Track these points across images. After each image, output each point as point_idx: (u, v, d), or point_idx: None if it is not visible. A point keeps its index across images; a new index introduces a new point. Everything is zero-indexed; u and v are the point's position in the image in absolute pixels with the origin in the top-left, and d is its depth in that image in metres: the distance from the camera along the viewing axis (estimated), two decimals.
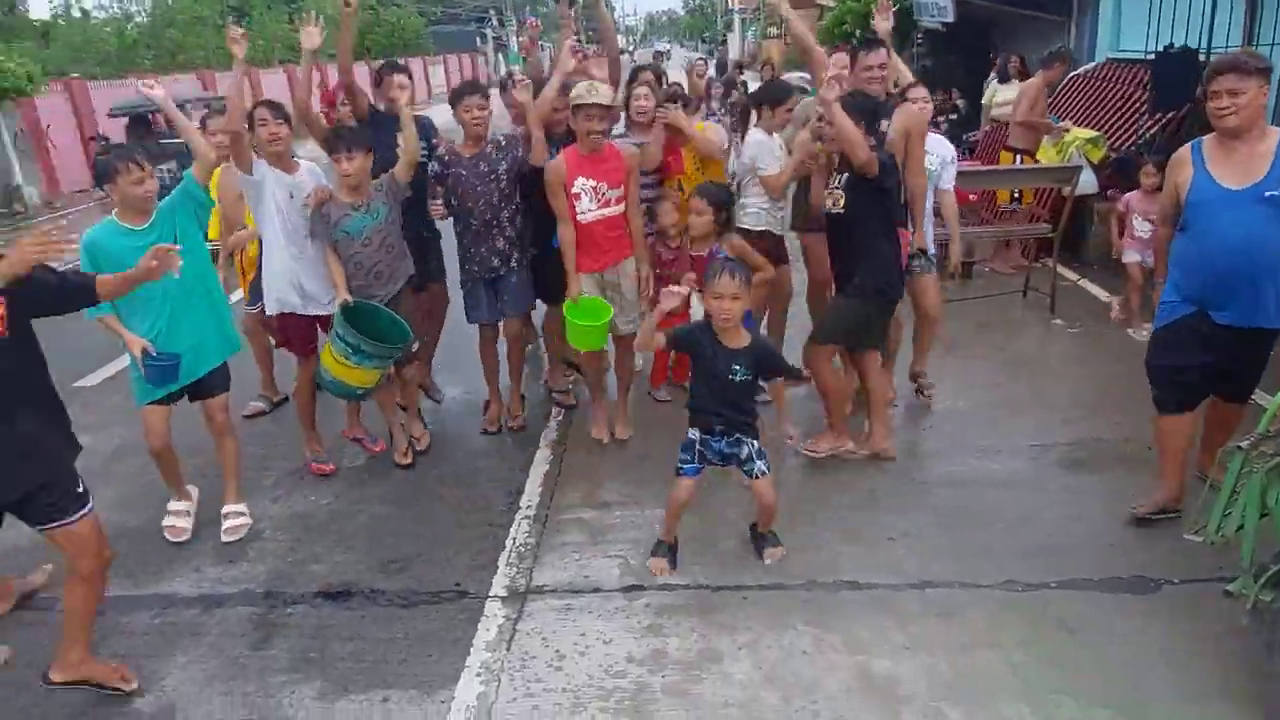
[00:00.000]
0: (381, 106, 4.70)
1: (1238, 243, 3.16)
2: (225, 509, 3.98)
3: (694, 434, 3.42)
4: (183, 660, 3.17)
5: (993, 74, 10.15)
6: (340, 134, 4.12)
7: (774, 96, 4.76)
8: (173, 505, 4.00)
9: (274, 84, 22.75)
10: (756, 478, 3.40)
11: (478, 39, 46.75)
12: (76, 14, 24.43)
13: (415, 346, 4.45)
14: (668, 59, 18.36)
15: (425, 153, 4.48)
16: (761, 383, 3.57)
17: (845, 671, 2.90)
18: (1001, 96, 9.70)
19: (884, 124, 4.10)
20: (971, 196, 8.21)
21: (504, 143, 4.43)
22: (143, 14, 25.81)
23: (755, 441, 3.40)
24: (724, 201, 4.36)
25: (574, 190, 4.13)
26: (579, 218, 4.17)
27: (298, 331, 4.35)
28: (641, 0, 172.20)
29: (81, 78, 17.22)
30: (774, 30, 30.61)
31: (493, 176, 4.35)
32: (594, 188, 4.13)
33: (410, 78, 4.74)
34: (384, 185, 4.14)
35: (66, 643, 3.01)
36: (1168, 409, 3.56)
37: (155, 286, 3.41)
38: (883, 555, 3.52)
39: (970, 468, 4.21)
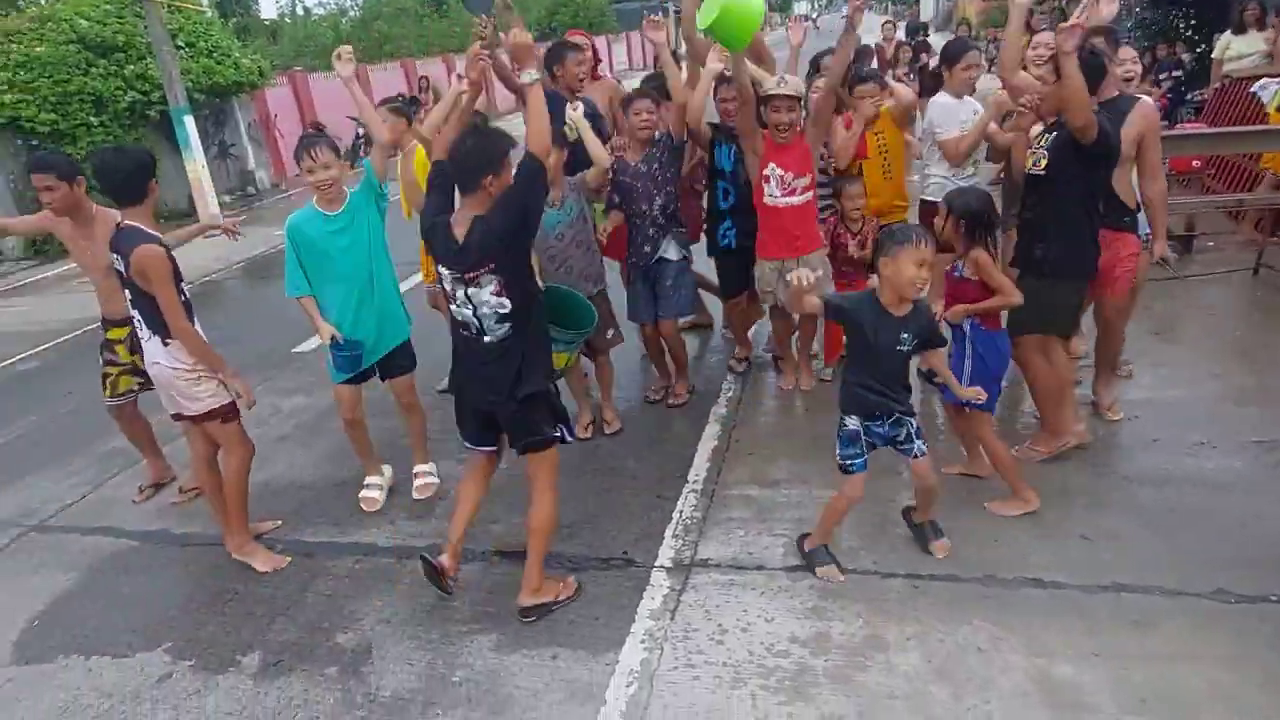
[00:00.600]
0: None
1: None
2: (415, 469, 4.31)
3: (853, 423, 3.20)
4: (378, 604, 3.48)
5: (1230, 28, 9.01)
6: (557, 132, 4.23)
7: (950, 54, 4.50)
8: (369, 479, 4.28)
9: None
10: (917, 457, 3.21)
11: (660, 14, 46.94)
12: (300, 12, 26.88)
13: (610, 334, 4.58)
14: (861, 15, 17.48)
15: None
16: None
17: (1022, 673, 2.74)
18: (1236, 49, 8.63)
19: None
20: (1195, 163, 7.41)
21: (658, 137, 4.45)
22: (356, 8, 27.94)
23: (914, 419, 3.21)
24: (967, 210, 3.47)
25: (765, 173, 4.24)
26: (766, 200, 4.29)
27: None
28: None
29: (303, 70, 18.90)
30: None
31: (657, 175, 4.46)
32: (781, 176, 4.22)
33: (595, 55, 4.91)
34: (576, 184, 4.29)
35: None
36: None
37: (345, 276, 3.75)
38: (1074, 554, 3.28)
39: (1181, 464, 3.82)
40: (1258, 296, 5.60)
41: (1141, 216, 3.96)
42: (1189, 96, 9.34)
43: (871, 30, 13.35)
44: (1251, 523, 3.35)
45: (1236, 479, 3.66)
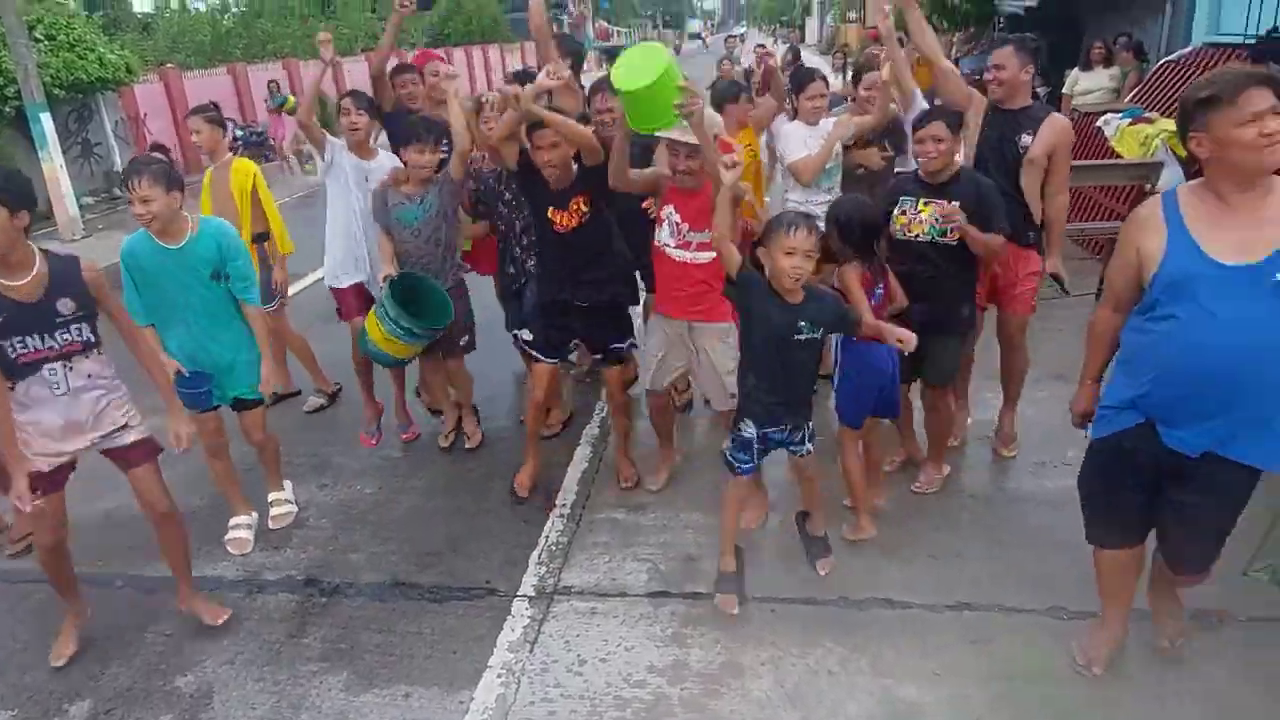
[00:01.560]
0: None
1: (1237, 345, 2.19)
2: (270, 496, 4.10)
3: (750, 429, 3.14)
4: (224, 643, 3.28)
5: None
6: (417, 124, 4.17)
7: (797, 84, 4.63)
8: (235, 519, 3.97)
9: (359, 71, 23.31)
10: (804, 456, 3.24)
11: (553, 25, 47.02)
12: (176, 6, 25.45)
13: (464, 341, 4.48)
14: (742, 42, 18.12)
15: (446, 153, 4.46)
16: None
17: (869, 695, 2.81)
18: (1084, 85, 9.25)
19: (1024, 137, 3.72)
20: None
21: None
22: (237, 5, 26.74)
23: (810, 423, 3.20)
24: (835, 219, 3.42)
25: (661, 214, 3.61)
26: (657, 242, 3.62)
27: (361, 301, 4.55)
28: None
29: (177, 67, 17.95)
30: (852, 15, 29.94)
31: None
32: (677, 224, 3.52)
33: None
34: (440, 181, 4.18)
35: None
36: (1107, 544, 2.76)
37: (183, 308, 3.52)
38: (922, 573, 3.39)
39: (1024, 484, 4.02)
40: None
41: None
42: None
43: (751, 51, 13.87)
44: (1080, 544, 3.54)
45: (1074, 497, 3.87)
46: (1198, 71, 7.85)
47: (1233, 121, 2.12)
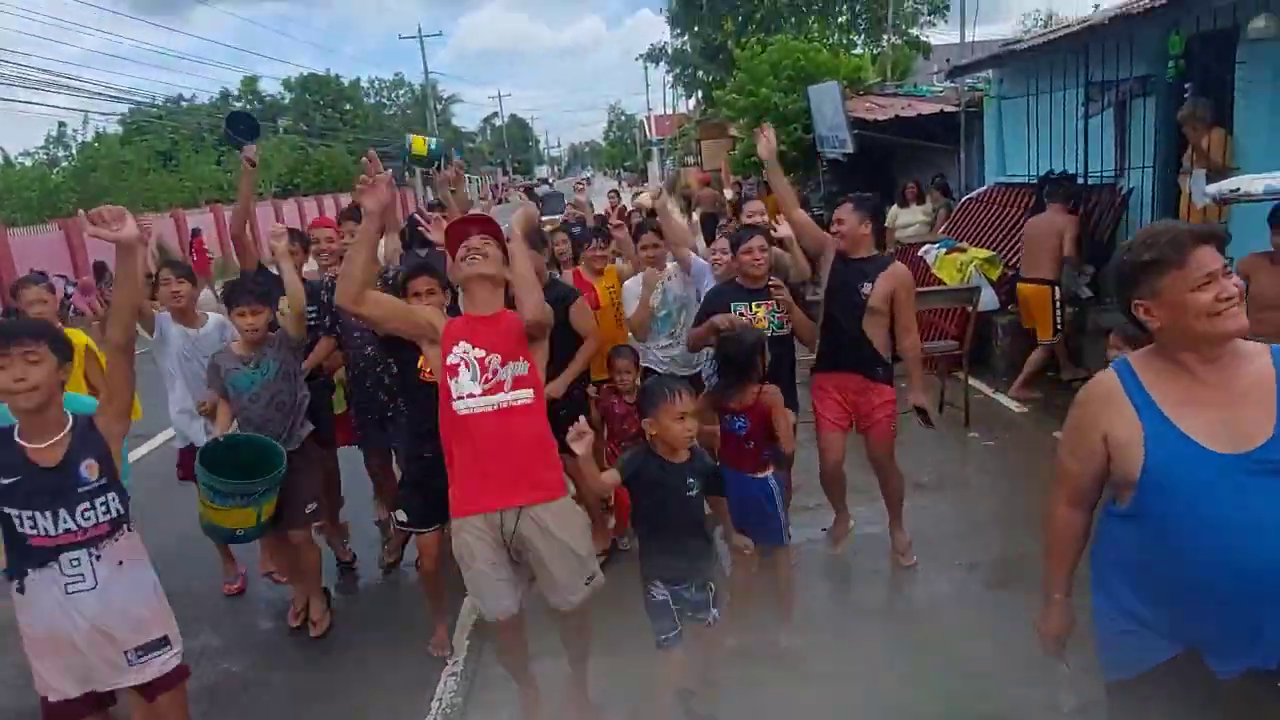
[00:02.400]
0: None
1: (1256, 548, 1.80)
2: None
3: (660, 591, 3.05)
4: None
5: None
6: (240, 286, 4.07)
7: (636, 234, 4.95)
8: None
9: (203, 223, 22.76)
10: (710, 624, 3.12)
11: (405, 173, 47.94)
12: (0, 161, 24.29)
13: (310, 509, 4.09)
14: (590, 184, 19.13)
15: (313, 315, 4.51)
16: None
17: None
18: (902, 220, 10.32)
19: (865, 285, 4.03)
20: None
21: (390, 279, 4.35)
22: (70, 160, 25.85)
23: (714, 585, 3.15)
24: (721, 355, 3.68)
25: (448, 361, 2.86)
26: (454, 405, 2.83)
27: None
28: (565, 132, 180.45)
29: (1, 224, 16.98)
30: (689, 159, 32.25)
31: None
32: (479, 361, 2.84)
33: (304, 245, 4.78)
34: (277, 341, 4.05)
35: None
36: None
37: None
38: (828, 691, 3.40)
39: (898, 591, 4.21)
40: (943, 432, 6.48)
41: None
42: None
43: (600, 193, 14.78)
44: (964, 645, 3.71)
45: (949, 602, 4.09)
46: (994, 205, 8.97)
47: (1185, 286, 1.84)
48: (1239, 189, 4.41)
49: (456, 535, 2.99)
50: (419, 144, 5.13)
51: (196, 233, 18.53)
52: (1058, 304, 6.88)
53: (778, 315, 4.01)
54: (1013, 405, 6.83)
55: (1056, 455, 2.15)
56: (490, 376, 2.85)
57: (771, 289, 3.97)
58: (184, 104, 39.04)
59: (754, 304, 4.00)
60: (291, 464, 3.87)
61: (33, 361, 2.39)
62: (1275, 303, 4.31)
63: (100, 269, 15.57)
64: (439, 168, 4.61)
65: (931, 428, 4.46)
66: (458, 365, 2.84)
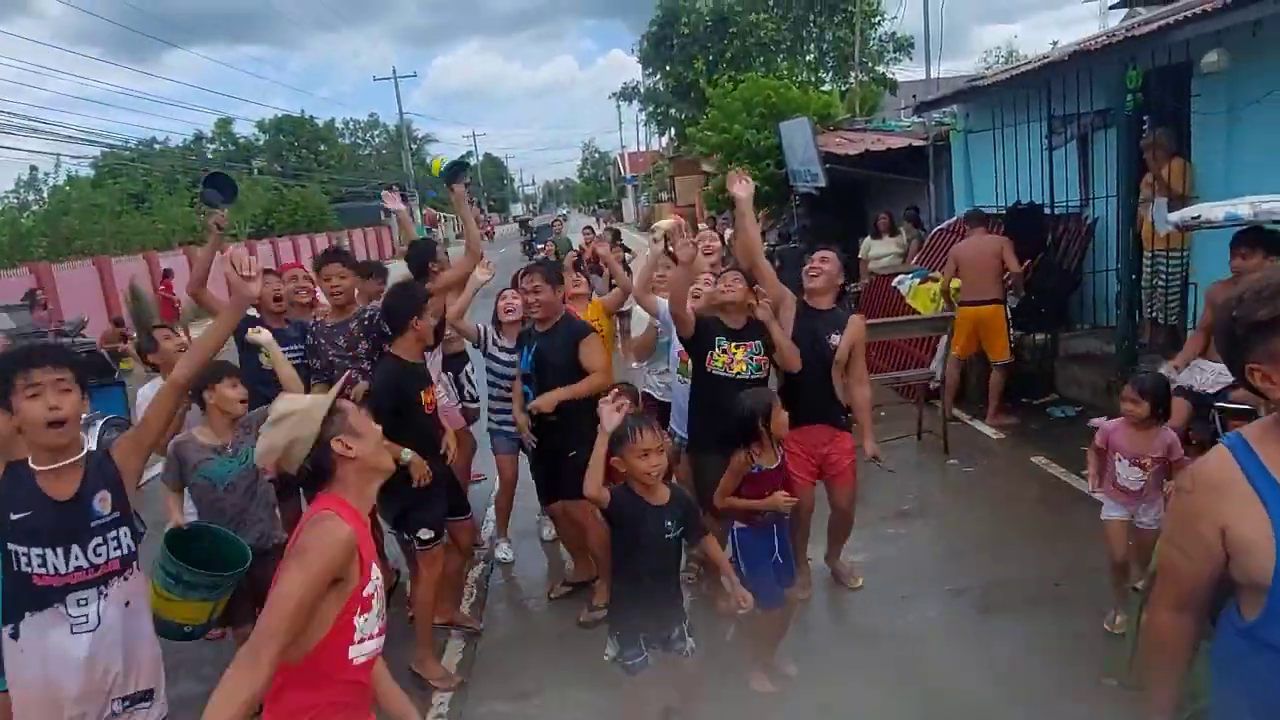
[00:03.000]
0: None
1: None
2: None
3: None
4: None
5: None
6: (222, 363, 3.52)
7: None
8: None
9: (175, 265, 22.61)
10: (687, 656, 3.07)
11: (382, 214, 48.00)
12: None
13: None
14: (565, 221, 19.47)
15: (299, 355, 4.46)
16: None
17: None
18: (875, 251, 10.48)
19: (834, 336, 4.11)
20: None
21: (368, 320, 4.34)
22: (40, 204, 25.66)
23: (685, 620, 3.12)
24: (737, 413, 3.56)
25: (367, 591, 2.05)
26: (352, 652, 2.02)
27: None
28: (539, 170, 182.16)
29: None
30: (664, 195, 32.62)
31: (350, 353, 4.34)
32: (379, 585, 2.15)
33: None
34: (253, 423, 3.52)
35: None
36: None
37: None
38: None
39: (888, 619, 4.22)
40: (922, 458, 6.55)
41: None
42: (848, 289, 11.11)
43: (576, 229, 15.23)
44: (952, 670, 3.73)
45: (935, 629, 4.10)
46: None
47: None
48: (1200, 216, 4.55)
49: None
50: (436, 165, 5.28)
51: (167, 274, 18.37)
52: (1009, 322, 7.03)
53: (755, 358, 4.01)
54: (990, 431, 6.92)
55: (1160, 550, 1.85)
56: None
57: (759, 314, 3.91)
58: (157, 146, 38.95)
59: (734, 344, 4.00)
60: (264, 562, 3.26)
61: (65, 390, 2.27)
62: None
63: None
64: (452, 183, 4.59)
65: (890, 470, 4.59)
66: (371, 598, 2.07)
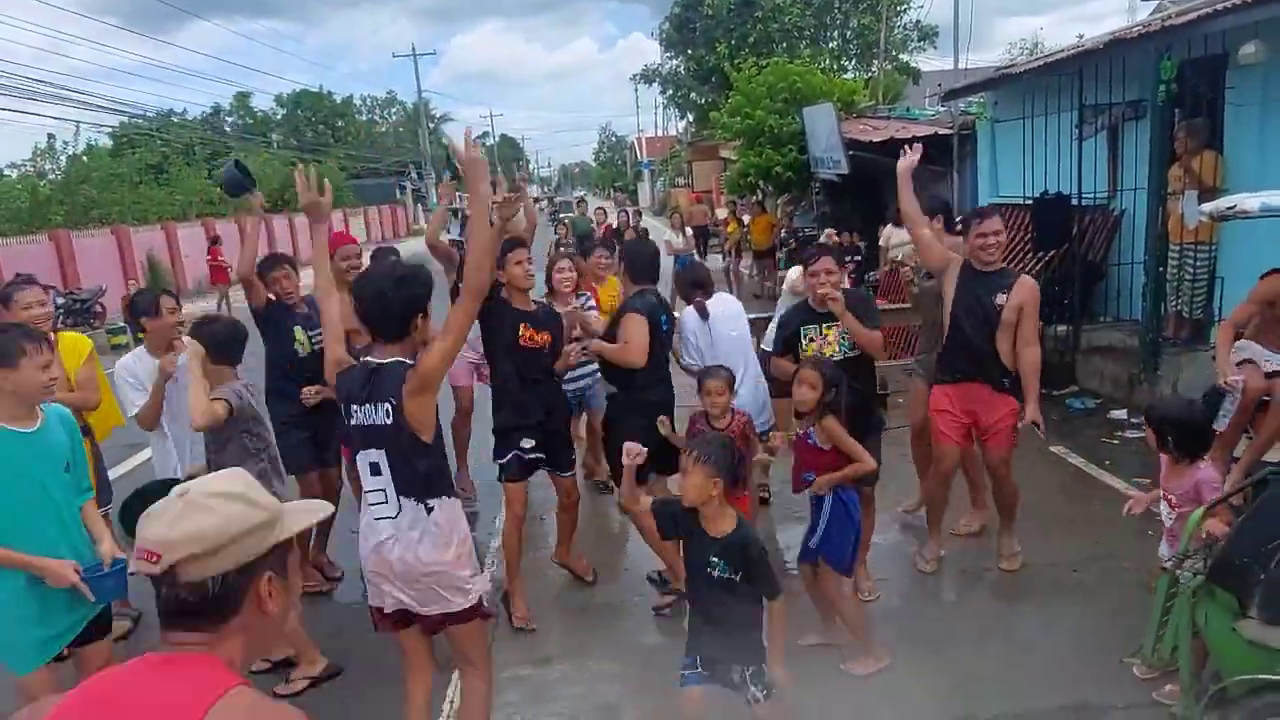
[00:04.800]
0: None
1: None
2: None
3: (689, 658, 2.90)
4: None
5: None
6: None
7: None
8: None
9: (192, 236, 22.72)
10: (752, 703, 2.81)
11: (397, 190, 48.02)
12: None
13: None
14: (584, 203, 19.54)
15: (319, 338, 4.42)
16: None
17: None
18: (896, 239, 10.42)
19: (1000, 296, 4.08)
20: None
21: None
22: (57, 172, 25.74)
23: (749, 667, 2.81)
24: (834, 380, 3.55)
25: None
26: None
27: None
28: (555, 152, 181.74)
29: None
30: (680, 180, 32.51)
31: None
32: None
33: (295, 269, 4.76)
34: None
35: None
36: None
37: (36, 502, 2.81)
38: (847, 699, 3.44)
39: (912, 604, 4.24)
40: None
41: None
42: (867, 277, 11.06)
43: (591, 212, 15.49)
44: (975, 651, 3.76)
45: (957, 612, 4.12)
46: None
47: None
48: (1235, 205, 4.51)
49: None
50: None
51: (216, 241, 18.38)
52: None
53: (847, 337, 4.02)
54: None
55: None
56: None
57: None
58: (175, 118, 39.00)
59: (824, 326, 4.03)
60: None
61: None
62: None
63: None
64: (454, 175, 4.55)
65: (1043, 438, 4.68)
66: None
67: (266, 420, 3.95)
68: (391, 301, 2.64)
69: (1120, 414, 6.73)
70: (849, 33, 24.75)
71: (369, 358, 2.70)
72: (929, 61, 24.87)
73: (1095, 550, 4.56)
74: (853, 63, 24.57)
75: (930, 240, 4.32)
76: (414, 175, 50.78)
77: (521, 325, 3.99)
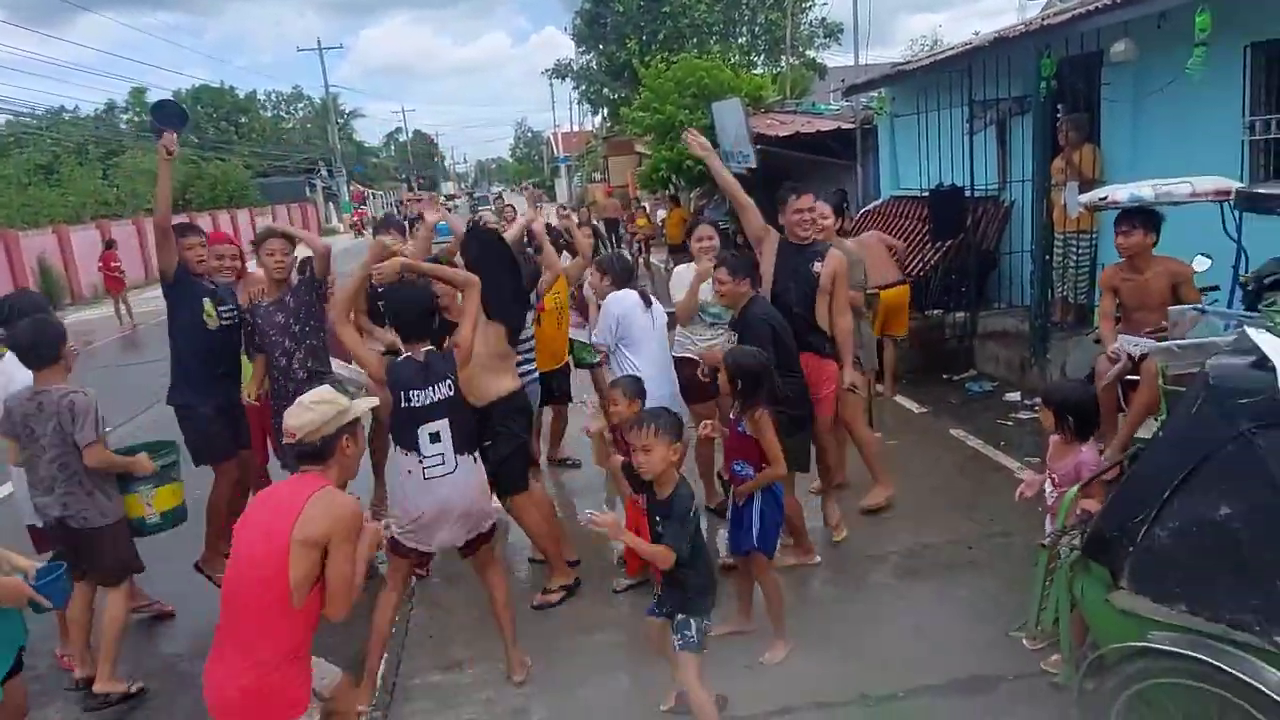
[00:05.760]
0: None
1: None
2: None
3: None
4: None
5: None
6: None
7: (689, 229, 5.59)
8: None
9: (87, 239, 21.59)
10: (675, 649, 3.10)
11: (306, 188, 46.58)
12: None
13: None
14: (500, 199, 19.38)
15: (230, 315, 4.55)
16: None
17: None
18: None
19: (816, 265, 4.42)
20: None
21: (297, 282, 4.52)
22: None
23: (676, 615, 3.10)
24: (738, 369, 3.60)
25: None
26: None
27: None
28: (470, 148, 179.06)
29: None
30: (597, 175, 32.51)
31: (291, 329, 4.43)
32: None
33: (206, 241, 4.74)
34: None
35: None
36: None
37: None
38: (746, 683, 3.53)
39: (812, 586, 4.37)
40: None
41: None
42: None
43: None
44: (874, 630, 3.89)
45: (858, 593, 4.27)
46: (891, 216, 9.40)
47: None
48: (1107, 197, 4.78)
49: None
50: None
51: (110, 245, 17.44)
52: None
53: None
54: (913, 406, 7.15)
55: None
56: None
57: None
58: (66, 115, 36.96)
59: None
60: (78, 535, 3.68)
61: None
62: (1139, 304, 4.66)
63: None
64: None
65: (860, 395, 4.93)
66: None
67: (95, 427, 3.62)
68: (422, 310, 3.58)
69: (1014, 396, 7.04)
70: (757, 28, 25.09)
71: (408, 354, 3.47)
72: (834, 57, 25.42)
73: (990, 528, 4.76)
74: (761, 58, 24.92)
75: (751, 209, 4.64)
76: (324, 173, 49.34)
77: None
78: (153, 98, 46.58)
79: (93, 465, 3.56)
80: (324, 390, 2.71)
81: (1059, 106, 6.96)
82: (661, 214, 15.79)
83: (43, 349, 3.59)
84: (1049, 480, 3.56)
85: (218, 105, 48.55)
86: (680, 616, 3.07)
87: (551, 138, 56.80)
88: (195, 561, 4.57)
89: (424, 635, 4.11)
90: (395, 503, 3.50)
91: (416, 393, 3.39)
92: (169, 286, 4.46)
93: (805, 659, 3.69)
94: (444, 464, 3.40)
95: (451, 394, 3.44)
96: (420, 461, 3.39)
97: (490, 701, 3.56)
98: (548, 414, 5.93)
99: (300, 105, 61.45)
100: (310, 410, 2.60)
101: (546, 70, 29.61)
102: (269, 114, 57.18)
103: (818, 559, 4.47)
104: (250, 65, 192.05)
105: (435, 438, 3.39)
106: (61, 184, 25.44)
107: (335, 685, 2.83)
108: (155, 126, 4.56)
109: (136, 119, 46.44)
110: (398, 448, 3.47)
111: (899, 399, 7.35)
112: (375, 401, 3.01)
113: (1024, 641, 3.57)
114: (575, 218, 6.63)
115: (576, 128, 44.34)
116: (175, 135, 4.16)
